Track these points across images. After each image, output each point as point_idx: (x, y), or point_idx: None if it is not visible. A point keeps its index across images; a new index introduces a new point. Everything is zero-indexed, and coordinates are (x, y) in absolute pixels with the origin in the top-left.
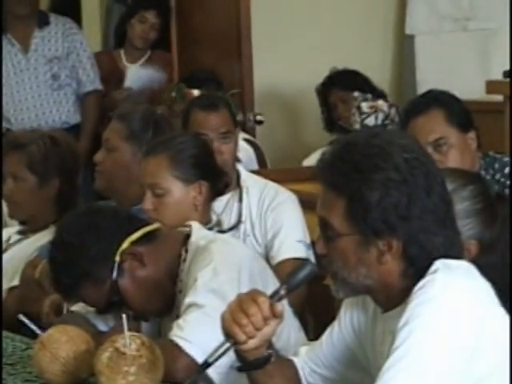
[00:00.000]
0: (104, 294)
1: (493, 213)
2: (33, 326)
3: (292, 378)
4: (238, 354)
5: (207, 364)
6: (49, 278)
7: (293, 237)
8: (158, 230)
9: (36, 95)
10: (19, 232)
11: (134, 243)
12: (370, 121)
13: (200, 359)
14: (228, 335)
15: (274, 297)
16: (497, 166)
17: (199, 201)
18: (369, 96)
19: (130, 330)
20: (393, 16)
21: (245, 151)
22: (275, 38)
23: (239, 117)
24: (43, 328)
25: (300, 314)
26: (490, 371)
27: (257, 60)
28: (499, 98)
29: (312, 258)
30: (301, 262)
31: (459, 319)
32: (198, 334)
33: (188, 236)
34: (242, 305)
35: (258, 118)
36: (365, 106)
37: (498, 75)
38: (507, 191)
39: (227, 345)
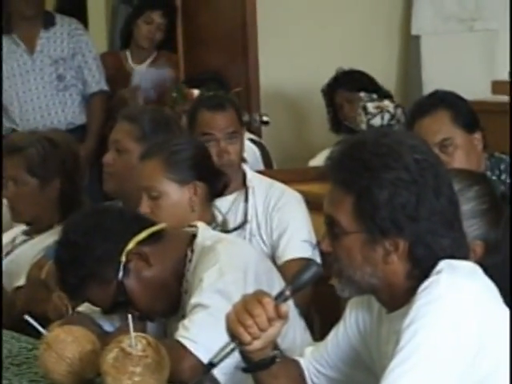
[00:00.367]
0: (110, 295)
1: (498, 213)
2: (39, 327)
3: (297, 379)
4: (243, 354)
5: (212, 364)
6: (55, 278)
7: (298, 237)
8: (164, 231)
9: (42, 96)
10: (24, 232)
11: (139, 243)
12: (376, 121)
13: (205, 360)
14: (233, 336)
15: (279, 298)
16: (503, 166)
17: (195, 202)
18: (374, 96)
19: (135, 330)
20: (398, 16)
21: (251, 151)
22: (281, 39)
23: (245, 117)
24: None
25: (306, 314)
26: (494, 372)
27: (263, 60)
28: (505, 98)
29: (318, 258)
30: (306, 262)
31: (464, 320)
32: (203, 334)
33: (194, 236)
34: (247, 306)
35: (264, 118)
36: (371, 106)
37: (503, 75)
38: None
39: (232, 345)
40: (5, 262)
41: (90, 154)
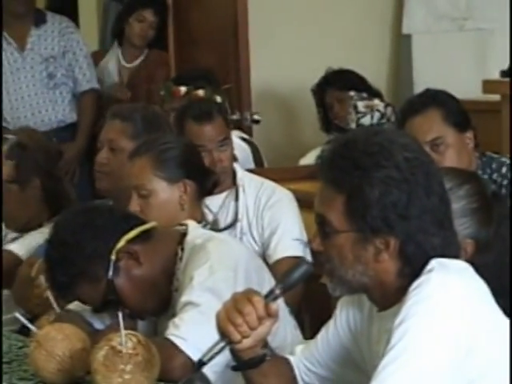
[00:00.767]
0: (100, 293)
1: (489, 212)
2: (29, 324)
3: (287, 377)
4: (233, 353)
5: (202, 363)
6: (45, 276)
7: (290, 235)
8: (154, 229)
9: (32, 94)
10: (15, 230)
11: (130, 242)
12: (366, 120)
13: (196, 358)
14: (223, 334)
15: (269, 296)
16: (494, 165)
17: (185, 200)
18: (365, 95)
19: (126, 328)
20: (390, 15)
21: (242, 150)
22: (272, 38)
23: (236, 116)
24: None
25: (296, 312)
26: (484, 371)
27: (254, 59)
28: (496, 97)
29: (309, 257)
30: (297, 261)
31: (455, 319)
32: (193, 332)
33: (184, 235)
34: (237, 304)
35: (255, 117)
36: (361, 105)
37: (495, 75)
38: (504, 191)
39: (222, 344)
40: None
41: (80, 152)
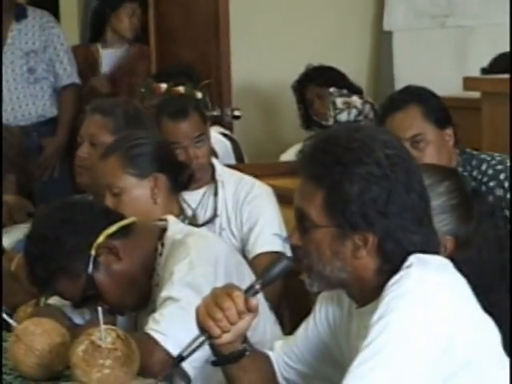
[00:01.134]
0: (79, 288)
1: (469, 208)
2: (9, 319)
3: (267, 372)
4: (213, 348)
5: (182, 358)
6: (25, 271)
7: (269, 230)
8: (134, 225)
9: (12, 88)
10: None
11: (109, 237)
12: (343, 116)
13: (175, 353)
14: (202, 329)
15: (249, 291)
16: (474, 163)
17: (157, 194)
18: (345, 92)
19: (105, 323)
20: (371, 12)
21: (222, 145)
22: (253, 34)
23: (217, 111)
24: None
25: (276, 308)
26: (462, 366)
27: (235, 55)
28: (476, 94)
29: (288, 252)
30: (277, 256)
31: (433, 314)
32: (173, 327)
33: (164, 230)
34: (217, 299)
35: (236, 112)
36: (339, 101)
37: (475, 72)
38: (484, 188)
39: (202, 339)
40: None
41: (60, 147)
